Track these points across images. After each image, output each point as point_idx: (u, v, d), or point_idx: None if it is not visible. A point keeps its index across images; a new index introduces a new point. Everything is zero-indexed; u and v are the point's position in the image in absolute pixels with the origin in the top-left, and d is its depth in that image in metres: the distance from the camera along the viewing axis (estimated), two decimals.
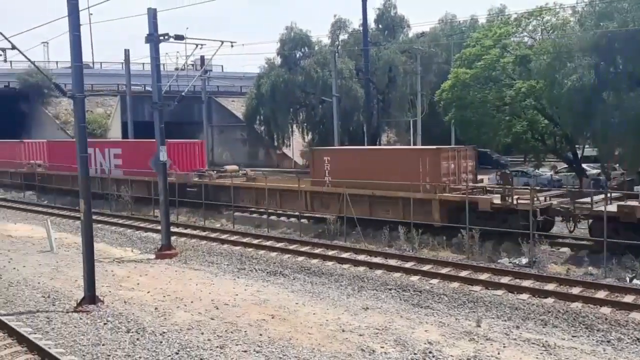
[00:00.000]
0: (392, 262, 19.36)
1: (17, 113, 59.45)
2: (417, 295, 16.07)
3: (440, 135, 42.64)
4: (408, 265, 18.92)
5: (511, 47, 33.69)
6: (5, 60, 18.13)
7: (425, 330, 13.11)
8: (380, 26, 52.64)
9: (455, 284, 16.94)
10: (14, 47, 14.52)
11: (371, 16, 51.03)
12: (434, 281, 17.29)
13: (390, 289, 16.61)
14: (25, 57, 15.04)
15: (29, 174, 40.27)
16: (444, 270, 18.16)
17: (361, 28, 46.76)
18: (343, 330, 13.03)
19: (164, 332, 12.92)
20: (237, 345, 12.19)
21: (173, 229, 23.49)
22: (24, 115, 59.87)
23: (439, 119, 41.05)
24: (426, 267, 18.56)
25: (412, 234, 21.09)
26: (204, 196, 28.29)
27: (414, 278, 17.67)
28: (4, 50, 15.73)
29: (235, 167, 33.53)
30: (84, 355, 11.67)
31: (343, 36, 52.43)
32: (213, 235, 24.71)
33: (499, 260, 19.23)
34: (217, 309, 14.65)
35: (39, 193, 38.92)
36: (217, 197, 28.83)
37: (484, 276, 17.46)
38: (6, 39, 14.23)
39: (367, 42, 44.37)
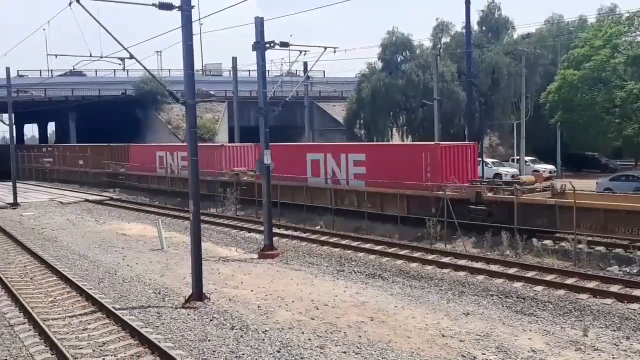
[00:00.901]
0: (495, 267, 18.88)
1: (133, 119, 63.26)
2: (520, 302, 15.57)
3: (545, 139, 41.22)
4: (511, 271, 18.37)
5: (623, 48, 32.02)
6: (124, 69, 19.39)
7: (529, 339, 12.70)
8: (484, 28, 51.60)
9: (561, 292, 16.27)
10: (132, 57, 15.51)
11: (474, 18, 50.12)
12: (539, 288, 16.69)
13: (492, 295, 16.21)
14: (142, 66, 16.00)
15: (231, 183, 34.14)
16: (549, 278, 17.48)
17: (464, 31, 46.02)
18: (443, 336, 12.87)
19: (266, 331, 13.30)
20: (336, 346, 12.34)
21: (275, 231, 24.06)
22: (139, 121, 63.57)
23: (544, 122, 39.75)
24: (530, 274, 17.95)
25: (516, 239, 20.46)
26: (508, 217, 21.29)
27: (518, 285, 17.14)
28: (123, 60, 16.85)
29: (532, 177, 26.41)
30: (191, 351, 12.21)
31: (445, 39, 51.84)
32: (313, 237, 25.11)
33: (608, 269, 18.28)
34: (317, 309, 14.89)
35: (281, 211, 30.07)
36: (529, 219, 21.17)
37: (591, 284, 16.65)
38: (125, 49, 15.22)
39: (470, 44, 43.53)
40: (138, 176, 44.02)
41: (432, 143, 28.34)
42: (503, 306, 15.31)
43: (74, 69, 28.40)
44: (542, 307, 15.10)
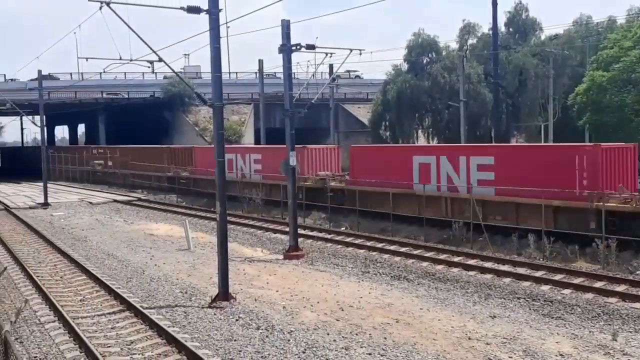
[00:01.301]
0: (521, 270, 18.70)
1: (161, 120, 64.03)
2: (547, 305, 15.41)
3: (573, 140, 40.66)
4: (538, 274, 18.19)
5: None
6: (152, 72, 19.64)
7: (557, 342, 12.56)
8: (510, 29, 51.21)
9: (589, 295, 16.07)
10: (160, 60, 15.73)
11: (501, 20, 49.78)
12: (566, 291, 16.50)
13: (519, 298, 16.06)
14: (171, 68, 16.20)
15: (316, 189, 30.85)
16: (577, 281, 17.27)
17: (490, 32, 45.75)
18: (469, 338, 12.80)
19: (291, 331, 13.36)
20: (361, 347, 12.35)
21: (300, 231, 24.14)
22: (167, 123, 64.30)
23: (572, 124, 39.27)
24: (558, 277, 17.75)
25: (543, 241, 20.24)
26: None
27: (545, 287, 16.97)
28: (151, 62, 17.09)
29: None
30: (217, 350, 12.31)
31: (472, 41, 51.55)
32: (338, 238, 25.14)
33: (637, 272, 17.98)
34: (342, 310, 14.92)
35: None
36: None
37: (620, 288, 16.41)
38: (154, 52, 15.45)
39: (497, 45, 43.31)
40: (204, 180, 39.14)
41: (590, 144, 24.76)
42: (530, 309, 15.17)
43: (104, 71, 28.83)
44: (569, 311, 14.93)
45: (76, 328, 13.40)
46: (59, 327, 13.99)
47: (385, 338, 12.84)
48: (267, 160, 34.52)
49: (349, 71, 72.08)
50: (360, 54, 23.31)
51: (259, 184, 34.62)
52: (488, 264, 19.64)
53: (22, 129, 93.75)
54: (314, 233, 26.38)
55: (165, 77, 62.22)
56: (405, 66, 51.20)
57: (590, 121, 34.31)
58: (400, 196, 26.22)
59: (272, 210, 32.67)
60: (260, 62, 49.70)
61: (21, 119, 70.33)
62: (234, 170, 36.74)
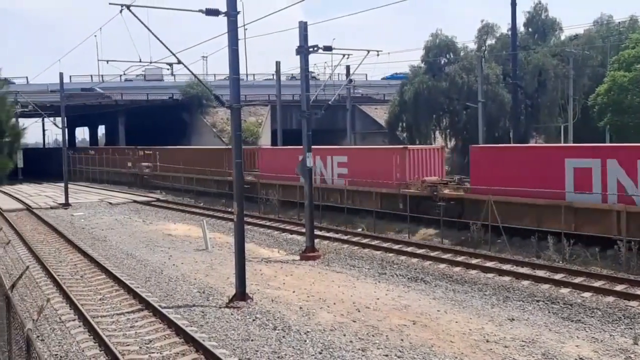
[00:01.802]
0: (541, 273, 18.54)
1: (179, 122, 64.54)
2: (567, 308, 15.27)
3: (593, 141, 40.23)
4: (557, 276, 18.01)
5: None
6: (171, 74, 19.82)
7: (576, 345, 12.44)
8: (529, 29, 50.83)
9: (610, 298, 15.88)
10: (179, 62, 15.87)
11: (520, 20, 49.42)
12: (586, 294, 16.32)
13: (537, 301, 15.93)
14: (190, 71, 16.35)
15: (424, 198, 25.77)
16: (598, 284, 17.08)
17: (509, 32, 45.42)
18: (487, 341, 12.73)
19: (308, 332, 13.38)
20: (378, 349, 12.33)
21: (316, 232, 24.15)
22: (185, 124, 64.78)
23: (592, 125, 38.86)
24: (577, 280, 17.57)
25: (563, 244, 20.05)
26: None
27: (564, 290, 16.80)
28: (170, 64, 17.24)
29: None
30: (234, 350, 12.38)
31: (490, 41, 51.24)
32: (354, 239, 25.12)
33: None
34: (359, 311, 14.91)
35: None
36: None
37: None
38: (173, 54, 15.59)
39: (515, 46, 42.99)
40: (272, 186, 34.61)
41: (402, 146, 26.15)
42: (549, 312, 15.04)
43: (124, 73, 29.12)
44: (589, 314, 14.78)
45: (96, 327, 13.55)
46: (79, 326, 14.16)
47: (402, 340, 12.81)
48: (356, 164, 29.94)
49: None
50: (378, 54, 23.32)
51: (343, 190, 29.67)
52: (506, 266, 19.50)
53: (43, 130, 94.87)
54: (330, 234, 26.38)
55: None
56: (422, 67, 51.03)
57: (611, 122, 33.96)
58: (544, 208, 21.48)
59: (353, 219, 28.36)
60: (278, 64, 49.86)
61: (43, 120, 71.04)
62: (317, 174, 31.66)
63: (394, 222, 26.86)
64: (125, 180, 53.83)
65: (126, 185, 52.42)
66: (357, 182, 28.93)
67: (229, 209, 30.74)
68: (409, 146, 29.48)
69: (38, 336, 13.10)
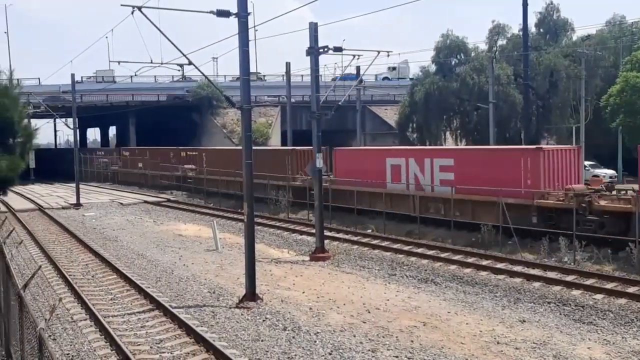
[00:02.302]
0: (552, 274, 18.44)
1: (190, 123, 64.78)
2: (578, 310, 15.17)
3: (605, 142, 40.03)
4: (569, 278, 17.90)
5: None
6: (182, 75, 19.87)
7: (588, 348, 12.36)
8: (541, 30, 50.59)
9: (622, 300, 15.77)
10: (190, 63, 15.96)
11: (532, 20, 49.17)
12: (598, 296, 16.22)
13: (549, 303, 15.84)
14: (200, 72, 16.42)
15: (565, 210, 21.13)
16: (610, 285, 16.96)
17: (521, 33, 45.25)
18: (498, 342, 12.67)
19: (317, 332, 13.38)
20: (388, 350, 12.31)
21: (326, 233, 24.14)
22: (196, 125, 65.01)
23: (604, 126, 38.63)
24: (589, 281, 17.46)
25: (574, 245, 19.93)
26: None
27: (576, 292, 16.70)
28: (181, 66, 17.33)
29: None
30: (244, 350, 12.39)
31: (501, 41, 51.05)
32: (364, 240, 25.09)
33: None
34: (369, 312, 14.89)
35: None
36: None
37: None
38: (184, 55, 15.67)
39: (527, 46, 42.84)
40: (351, 193, 28.94)
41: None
42: (560, 314, 14.96)
43: (135, 75, 29.23)
44: (601, 316, 14.68)
45: (107, 326, 13.62)
46: (91, 325, 14.23)
47: (412, 341, 12.78)
48: (466, 168, 25.01)
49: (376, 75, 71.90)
50: (388, 55, 23.30)
51: (448, 200, 24.56)
52: (517, 268, 19.41)
53: (55, 131, 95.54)
54: (340, 235, 26.35)
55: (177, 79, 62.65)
56: (433, 67, 50.94)
57: (624, 123, 33.75)
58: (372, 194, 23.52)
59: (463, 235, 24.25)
60: (288, 64, 49.94)
61: (54, 121, 71.53)
62: (403, 179, 27.19)
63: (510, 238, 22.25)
64: (166, 184, 47.56)
65: (169, 189, 46.62)
66: (470, 190, 23.73)
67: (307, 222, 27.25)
68: (543, 146, 25.48)
69: (50, 335, 13.17)
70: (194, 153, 47.83)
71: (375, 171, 28.66)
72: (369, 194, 28.55)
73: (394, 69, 70.01)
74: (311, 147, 33.46)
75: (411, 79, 61.69)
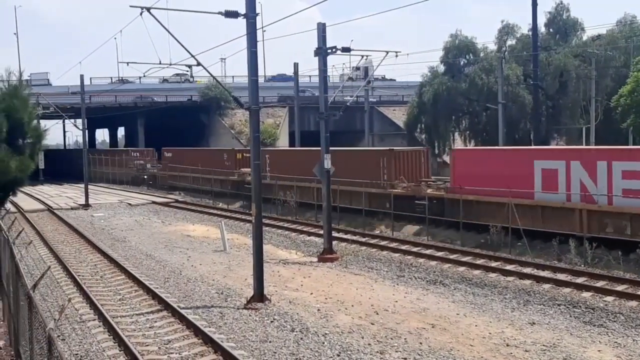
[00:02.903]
0: (562, 276, 18.31)
1: (198, 123, 64.91)
2: (589, 312, 15.05)
3: (616, 143, 39.71)
4: (579, 280, 17.78)
5: None
6: (191, 76, 19.85)
7: (599, 350, 12.25)
8: (551, 30, 50.29)
9: (633, 303, 15.62)
10: (198, 64, 15.97)
11: (541, 20, 48.84)
12: (609, 299, 16.08)
13: (559, 305, 15.72)
14: (209, 72, 16.43)
15: None
16: (620, 288, 16.82)
17: (530, 33, 45.01)
18: (507, 345, 12.59)
19: (326, 334, 13.34)
20: (396, 352, 12.25)
21: (334, 234, 24.08)
22: (204, 126, 65.14)
23: (615, 126, 38.35)
24: (600, 284, 17.32)
25: (585, 247, 19.78)
26: None
27: (586, 294, 16.57)
28: (190, 67, 17.34)
29: None
30: (252, 351, 12.38)
31: (510, 42, 50.75)
32: (372, 241, 25.02)
33: None
34: (377, 314, 14.83)
35: None
36: None
37: None
38: (192, 56, 15.68)
39: (536, 46, 42.59)
40: (478, 205, 23.94)
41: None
42: (570, 316, 14.84)
43: (144, 75, 29.29)
44: (612, 318, 14.55)
45: (116, 327, 13.64)
46: (99, 326, 14.27)
47: (420, 343, 12.71)
48: None
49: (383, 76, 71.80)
50: (397, 56, 23.25)
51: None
52: (527, 270, 19.28)
53: (64, 132, 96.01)
54: (348, 236, 26.29)
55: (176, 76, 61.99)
56: (442, 68, 50.75)
57: (634, 123, 33.48)
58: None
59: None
60: (296, 65, 49.97)
61: (64, 122, 71.84)
62: (562, 187, 21.67)
63: None
64: (222, 189, 41.14)
65: (222, 197, 40.43)
66: None
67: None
68: None
69: (58, 335, 13.20)
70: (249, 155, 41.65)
71: (516, 177, 22.75)
72: (516, 206, 22.17)
73: (358, 69, 69.55)
74: (417, 148, 31.96)
75: (375, 79, 61.66)
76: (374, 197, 28.77)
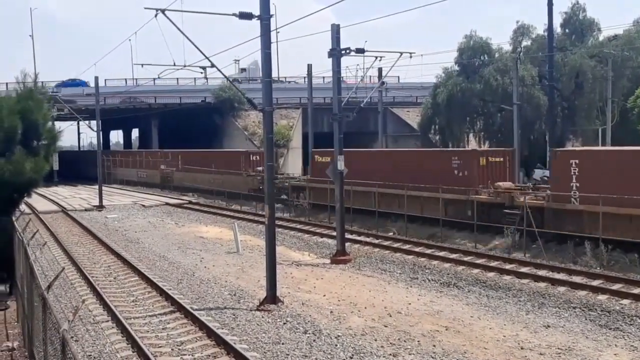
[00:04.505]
0: (577, 279, 18.10)
1: (212, 125, 65.13)
2: (605, 315, 14.87)
3: (633, 145, 39.27)
4: (595, 283, 17.57)
5: None
6: (205, 78, 19.82)
7: (615, 354, 12.09)
8: (566, 30, 49.88)
9: None
10: (212, 65, 15.98)
11: (557, 20, 48.45)
12: (625, 301, 15.86)
13: (574, 308, 15.54)
14: (223, 74, 16.46)
15: None
16: (637, 291, 16.58)
17: (545, 33, 44.67)
18: (522, 348, 12.46)
19: (338, 336, 13.28)
20: (410, 354, 12.17)
21: (347, 236, 24.03)
22: (217, 127, 65.35)
23: (632, 127, 37.99)
24: (616, 286, 17.09)
25: (601, 249, 19.56)
26: None
27: (602, 297, 16.37)
28: (204, 68, 17.36)
29: None
30: (265, 353, 12.34)
31: (526, 42, 50.43)
32: (386, 243, 24.91)
33: None
34: (390, 316, 14.75)
35: None
36: None
37: None
38: (207, 58, 15.69)
39: (552, 47, 42.24)
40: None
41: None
42: (586, 319, 14.67)
43: (158, 77, 29.36)
44: (628, 322, 14.36)
45: (129, 328, 13.67)
46: (113, 327, 14.30)
47: (434, 345, 12.62)
48: None
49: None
50: (411, 57, 23.15)
51: None
52: (542, 272, 19.10)
53: (78, 133, 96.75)
54: (362, 238, 26.20)
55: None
56: (456, 69, 50.53)
57: None
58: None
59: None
60: (309, 66, 49.91)
61: (78, 123, 72.33)
62: None
63: None
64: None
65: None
66: None
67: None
68: None
69: (72, 337, 13.24)
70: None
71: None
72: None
73: (243, 70, 69.19)
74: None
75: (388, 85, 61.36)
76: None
